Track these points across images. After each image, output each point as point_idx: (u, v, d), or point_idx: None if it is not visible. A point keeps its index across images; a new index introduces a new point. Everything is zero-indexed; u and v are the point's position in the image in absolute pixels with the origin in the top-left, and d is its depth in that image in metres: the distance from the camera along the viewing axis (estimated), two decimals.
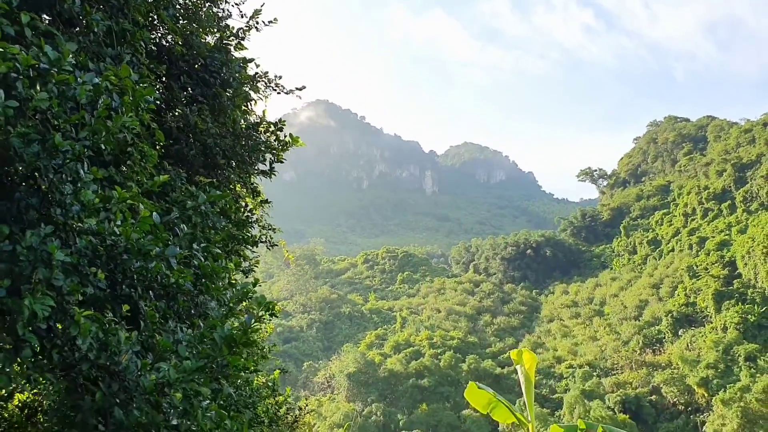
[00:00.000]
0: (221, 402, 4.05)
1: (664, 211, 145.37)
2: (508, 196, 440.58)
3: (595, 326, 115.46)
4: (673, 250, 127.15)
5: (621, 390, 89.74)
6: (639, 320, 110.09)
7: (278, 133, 9.21)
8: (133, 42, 5.89)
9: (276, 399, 10.83)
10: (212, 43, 7.95)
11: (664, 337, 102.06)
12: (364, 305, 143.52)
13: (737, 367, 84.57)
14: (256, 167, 9.06)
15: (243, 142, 8.31)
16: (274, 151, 9.12)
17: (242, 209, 9.11)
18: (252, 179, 9.35)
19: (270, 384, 11.09)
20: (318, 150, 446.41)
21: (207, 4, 8.05)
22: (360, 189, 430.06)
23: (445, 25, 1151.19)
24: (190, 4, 7.78)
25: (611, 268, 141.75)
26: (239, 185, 9.18)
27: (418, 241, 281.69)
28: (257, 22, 8.30)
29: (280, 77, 8.82)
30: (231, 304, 4.78)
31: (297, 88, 8.95)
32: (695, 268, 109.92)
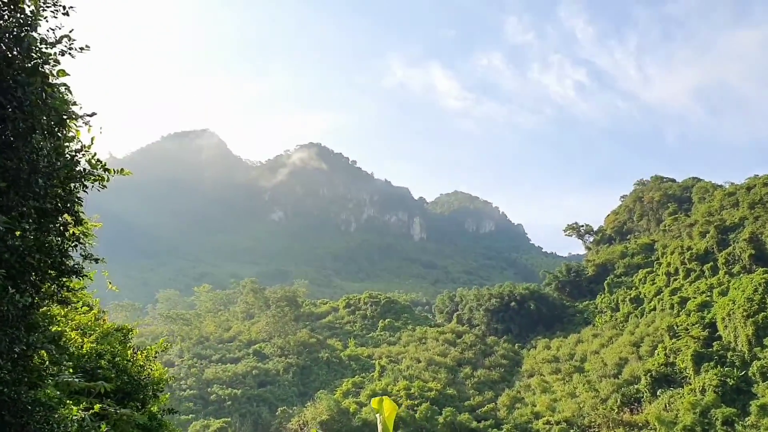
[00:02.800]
0: None
1: (648, 269, 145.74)
2: (496, 247, 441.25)
3: (575, 383, 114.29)
4: (654, 309, 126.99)
5: None
6: (618, 378, 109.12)
7: (97, 161, 8.98)
8: None
9: None
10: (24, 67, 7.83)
11: (643, 397, 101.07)
12: (343, 351, 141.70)
13: (714, 431, 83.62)
14: (65, 195, 8.70)
15: (40, 169, 7.98)
16: (79, 181, 8.87)
17: (67, 238, 8.79)
18: (77, 208, 9.03)
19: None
20: (307, 191, 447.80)
21: (26, 30, 7.90)
22: (348, 232, 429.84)
23: (440, 76, 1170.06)
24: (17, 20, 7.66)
25: (593, 325, 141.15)
26: (67, 214, 8.85)
27: (403, 287, 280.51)
28: (70, 48, 8.22)
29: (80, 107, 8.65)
30: None
31: (87, 114, 8.77)
32: (676, 328, 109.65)
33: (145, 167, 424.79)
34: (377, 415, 8.88)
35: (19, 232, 7.32)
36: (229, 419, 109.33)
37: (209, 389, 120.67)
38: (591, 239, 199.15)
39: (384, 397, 9.28)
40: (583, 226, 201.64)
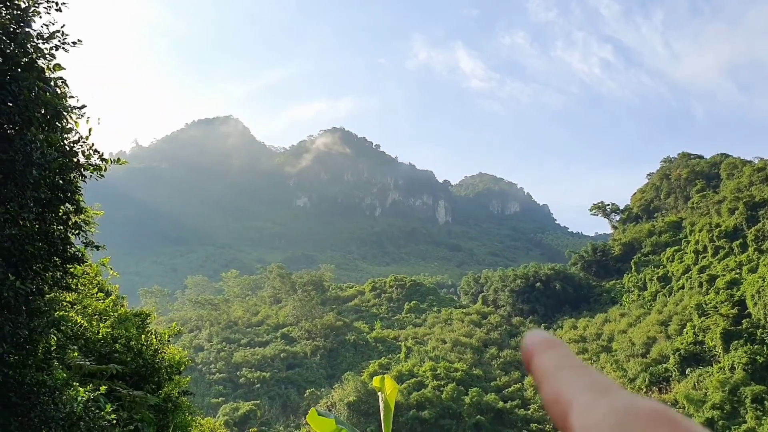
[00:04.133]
0: None
1: (676, 247, 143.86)
2: (521, 228, 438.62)
3: (602, 362, 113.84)
4: (683, 287, 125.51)
5: None
6: (646, 357, 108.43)
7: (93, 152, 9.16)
8: None
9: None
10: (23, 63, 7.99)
11: (671, 376, 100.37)
12: (370, 333, 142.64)
13: (744, 408, 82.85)
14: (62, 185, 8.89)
15: (34, 161, 8.18)
16: (77, 171, 9.07)
17: (69, 227, 9.00)
18: (77, 197, 9.22)
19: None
20: (332, 177, 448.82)
21: (21, 25, 8.05)
22: (373, 217, 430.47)
23: (464, 56, 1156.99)
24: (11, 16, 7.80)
25: (621, 304, 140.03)
26: (67, 203, 9.04)
27: (429, 270, 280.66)
28: (64, 43, 8.38)
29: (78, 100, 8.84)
30: None
31: (77, 107, 8.99)
32: (704, 306, 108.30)
33: (171, 155, 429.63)
34: (379, 394, 8.99)
35: (22, 222, 7.56)
36: (259, 401, 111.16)
37: (238, 372, 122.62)
38: (617, 218, 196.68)
39: (385, 375, 9.37)
40: (609, 204, 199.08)
